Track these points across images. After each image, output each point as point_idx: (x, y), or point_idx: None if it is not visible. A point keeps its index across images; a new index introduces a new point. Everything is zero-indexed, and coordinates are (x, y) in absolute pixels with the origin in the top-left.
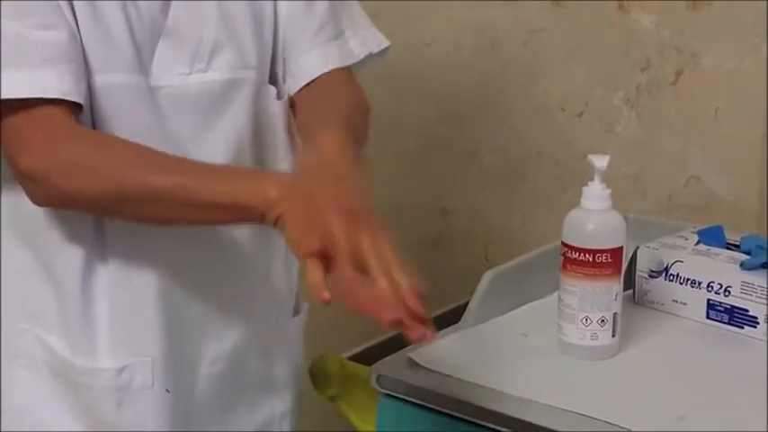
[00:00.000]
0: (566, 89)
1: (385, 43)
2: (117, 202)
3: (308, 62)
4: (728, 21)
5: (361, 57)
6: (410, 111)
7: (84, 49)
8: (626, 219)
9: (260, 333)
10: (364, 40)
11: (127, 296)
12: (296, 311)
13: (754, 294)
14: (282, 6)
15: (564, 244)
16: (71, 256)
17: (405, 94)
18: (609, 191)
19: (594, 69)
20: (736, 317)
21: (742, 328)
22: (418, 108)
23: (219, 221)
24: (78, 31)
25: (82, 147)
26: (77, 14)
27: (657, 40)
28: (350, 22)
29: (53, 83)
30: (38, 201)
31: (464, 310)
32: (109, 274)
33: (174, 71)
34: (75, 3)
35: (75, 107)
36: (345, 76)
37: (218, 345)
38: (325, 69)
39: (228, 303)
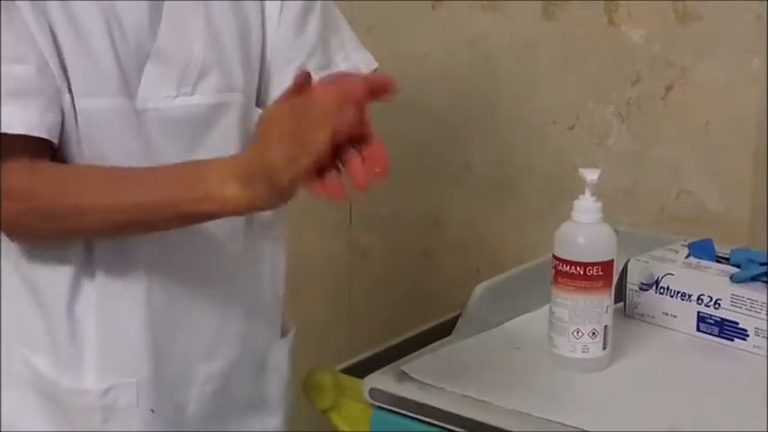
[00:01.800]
0: (557, 102)
1: (373, 65)
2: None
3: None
4: (718, 34)
5: None
6: (403, 123)
7: (67, 74)
8: (617, 231)
9: (250, 353)
10: (354, 65)
11: (114, 318)
12: (284, 333)
13: (744, 307)
14: (270, 30)
15: (555, 257)
16: (57, 277)
17: (397, 108)
18: (600, 204)
19: (585, 83)
20: (727, 329)
21: (732, 340)
22: (411, 121)
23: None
24: (59, 56)
25: (35, 183)
26: (60, 39)
27: (648, 54)
28: (340, 46)
29: (18, 118)
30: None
31: (456, 322)
32: (96, 296)
33: (160, 94)
34: (57, 27)
35: (42, 140)
36: None
37: (209, 365)
38: None
39: (218, 325)
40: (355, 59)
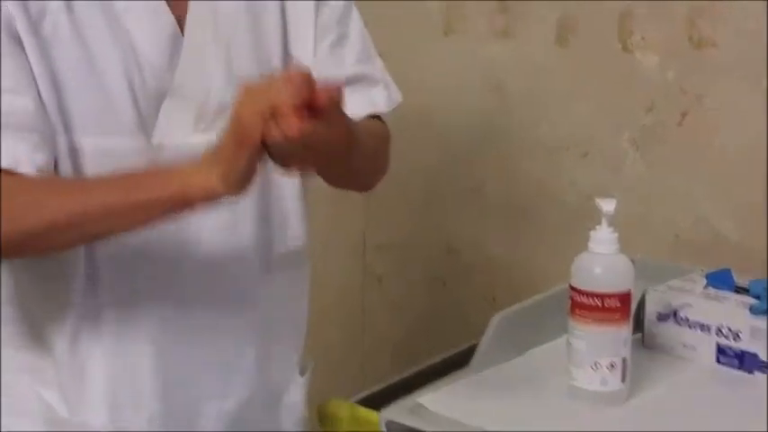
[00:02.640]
0: (570, 129)
1: (400, 95)
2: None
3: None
4: (733, 61)
5: (386, 110)
6: (416, 150)
7: (66, 114)
8: (633, 260)
9: (265, 391)
10: (390, 93)
11: (122, 357)
12: (302, 371)
13: (764, 339)
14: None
15: (572, 288)
16: (60, 315)
17: (410, 133)
18: (616, 235)
19: (599, 109)
20: (747, 361)
21: (752, 372)
22: (424, 147)
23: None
24: (59, 96)
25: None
26: (74, 79)
27: (662, 81)
28: (381, 75)
29: (5, 152)
30: None
31: (472, 352)
32: (102, 340)
33: (176, 130)
34: (68, 64)
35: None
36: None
37: (220, 404)
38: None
39: (230, 364)
40: (391, 90)
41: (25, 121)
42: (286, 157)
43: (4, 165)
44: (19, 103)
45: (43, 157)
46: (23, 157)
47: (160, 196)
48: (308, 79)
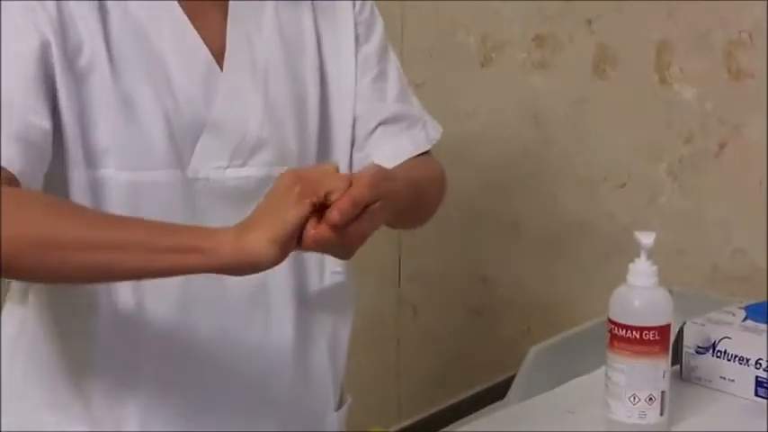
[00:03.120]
0: (608, 160)
1: (440, 128)
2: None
3: (379, 156)
4: None
5: (427, 148)
6: (452, 180)
7: (113, 147)
8: (670, 291)
9: (299, 425)
10: (427, 131)
11: (158, 418)
12: (339, 405)
13: None
14: (345, 89)
15: (611, 321)
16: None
17: (447, 164)
18: (655, 267)
19: (637, 141)
20: None
21: None
22: (460, 178)
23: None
24: (80, 130)
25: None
26: (106, 113)
27: (700, 112)
28: (420, 113)
29: (16, 156)
30: None
31: (508, 384)
32: (137, 403)
33: (211, 164)
34: (105, 101)
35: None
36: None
37: None
38: (395, 163)
39: (260, 401)
40: (429, 127)
41: (39, 139)
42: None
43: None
44: (38, 122)
45: (39, 184)
46: (29, 173)
47: (183, 246)
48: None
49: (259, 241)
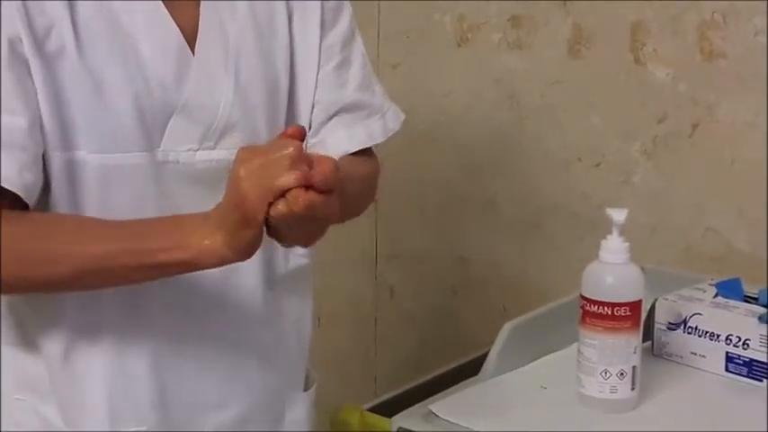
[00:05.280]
0: (583, 140)
1: (402, 116)
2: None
3: (333, 142)
4: (744, 72)
5: (382, 140)
6: (428, 161)
7: (68, 131)
8: (643, 270)
9: (266, 405)
10: (385, 121)
11: (120, 374)
12: (307, 386)
13: None
14: (309, 75)
15: (583, 297)
16: (53, 339)
17: (423, 145)
18: (627, 244)
19: (611, 121)
20: (755, 370)
21: (761, 381)
22: (436, 158)
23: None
24: (60, 113)
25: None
26: (78, 96)
27: (673, 92)
28: (380, 103)
29: None
30: None
31: (483, 361)
32: (100, 354)
33: (181, 147)
34: (76, 83)
35: (16, 197)
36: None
37: (219, 414)
38: (349, 150)
39: (230, 376)
40: (387, 117)
41: (17, 139)
42: (285, 230)
43: None
44: (13, 123)
45: (31, 177)
46: (12, 174)
47: (168, 261)
48: (301, 155)
49: (239, 246)
